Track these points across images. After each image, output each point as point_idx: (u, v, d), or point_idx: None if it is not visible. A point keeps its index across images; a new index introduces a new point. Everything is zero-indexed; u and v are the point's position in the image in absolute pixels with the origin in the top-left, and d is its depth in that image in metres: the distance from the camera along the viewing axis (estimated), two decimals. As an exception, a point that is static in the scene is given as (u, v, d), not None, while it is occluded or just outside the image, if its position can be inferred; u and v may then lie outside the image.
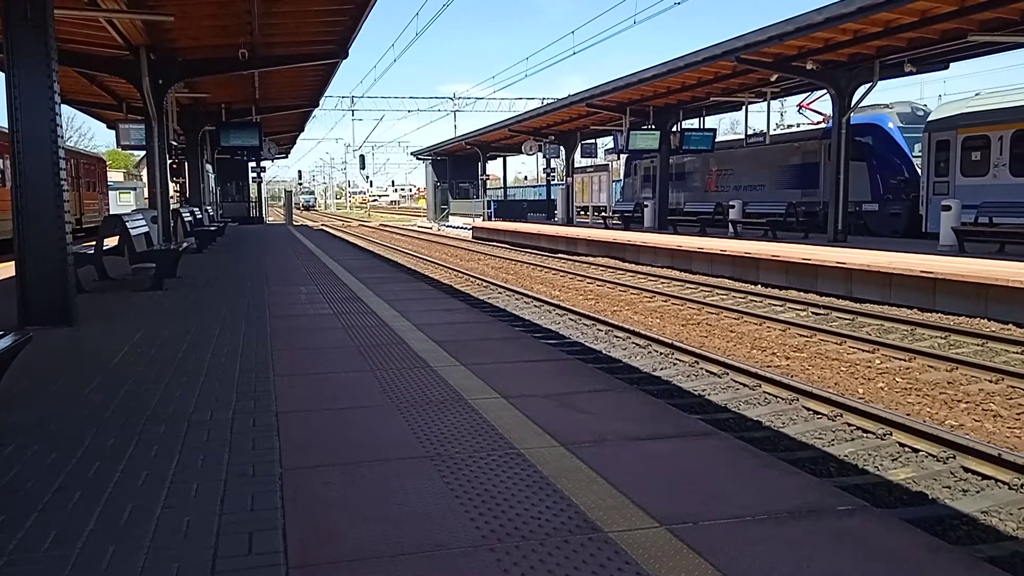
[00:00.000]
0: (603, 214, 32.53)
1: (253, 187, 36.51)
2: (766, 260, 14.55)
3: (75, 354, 5.82)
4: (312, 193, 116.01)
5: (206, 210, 23.82)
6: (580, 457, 3.38)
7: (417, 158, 54.85)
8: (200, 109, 22.17)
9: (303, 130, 34.91)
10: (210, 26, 13.83)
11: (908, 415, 6.16)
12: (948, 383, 7.20)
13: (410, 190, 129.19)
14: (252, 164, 34.55)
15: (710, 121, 25.86)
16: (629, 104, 23.75)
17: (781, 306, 12.03)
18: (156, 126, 14.74)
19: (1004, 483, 4.81)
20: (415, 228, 45.32)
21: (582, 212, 37.32)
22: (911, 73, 16.15)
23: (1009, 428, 5.95)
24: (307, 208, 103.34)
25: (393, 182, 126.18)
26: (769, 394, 6.89)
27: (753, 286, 14.02)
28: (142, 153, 19.92)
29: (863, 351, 8.61)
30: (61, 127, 6.85)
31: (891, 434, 5.69)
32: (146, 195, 18.61)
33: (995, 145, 16.69)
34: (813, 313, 11.31)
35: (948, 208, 15.18)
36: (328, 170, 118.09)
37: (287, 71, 17.84)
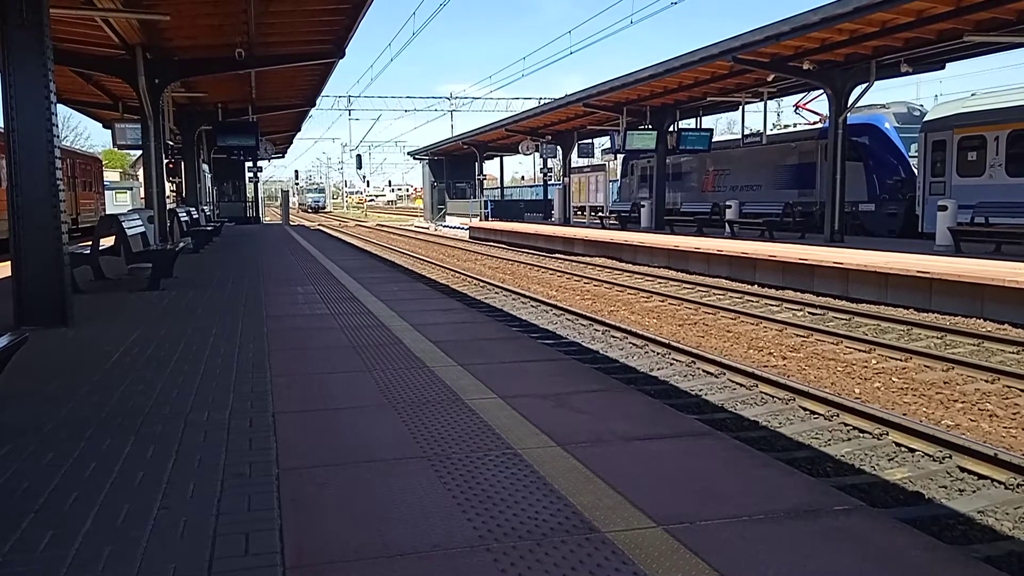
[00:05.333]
0: (600, 214, 32.53)
1: (250, 187, 36.52)
2: (763, 260, 14.57)
3: (71, 354, 5.81)
4: (322, 192, 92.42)
5: (202, 210, 23.77)
6: (577, 457, 3.38)
7: (414, 158, 54.82)
8: (196, 109, 22.13)
9: (299, 130, 34.92)
10: (206, 25, 13.82)
11: (904, 415, 6.17)
12: (944, 383, 7.22)
13: (407, 190, 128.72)
14: (248, 164, 34.57)
15: (707, 121, 25.98)
16: (626, 104, 23.77)
17: (778, 306, 12.05)
18: (152, 126, 14.72)
19: (1000, 483, 4.82)
20: (412, 228, 45.31)
21: (579, 212, 37.30)
22: (907, 73, 16.19)
23: (1005, 428, 5.97)
24: (316, 209, 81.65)
25: (390, 182, 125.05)
26: (766, 394, 6.90)
27: (750, 286, 14.03)
28: (138, 153, 19.90)
29: (859, 351, 8.62)
30: (57, 127, 6.84)
31: (887, 434, 5.69)
32: (142, 195, 18.56)
33: (991, 145, 16.73)
34: (810, 313, 11.32)
35: (944, 208, 15.21)
36: (325, 170, 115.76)
37: (283, 71, 17.84)
